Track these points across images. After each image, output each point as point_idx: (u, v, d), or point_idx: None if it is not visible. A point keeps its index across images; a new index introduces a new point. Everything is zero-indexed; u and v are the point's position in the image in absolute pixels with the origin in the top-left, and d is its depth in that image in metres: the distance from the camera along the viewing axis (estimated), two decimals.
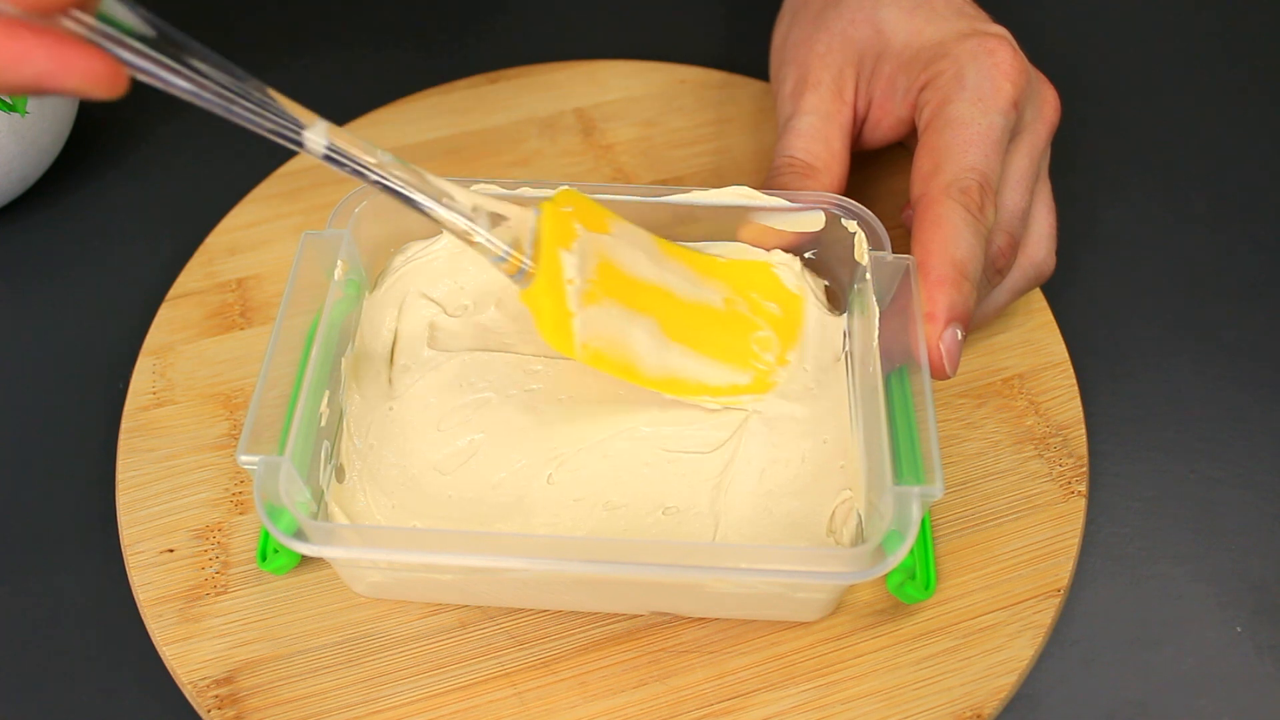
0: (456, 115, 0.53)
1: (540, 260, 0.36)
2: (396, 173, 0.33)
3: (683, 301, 0.40)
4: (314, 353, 0.37)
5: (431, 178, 0.34)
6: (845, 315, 0.42)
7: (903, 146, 0.48)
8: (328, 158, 0.31)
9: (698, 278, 0.41)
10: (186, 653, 0.37)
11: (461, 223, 0.35)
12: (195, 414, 0.43)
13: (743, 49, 0.57)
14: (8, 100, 0.44)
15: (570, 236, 0.37)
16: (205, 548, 0.39)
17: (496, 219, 0.35)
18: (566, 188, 0.38)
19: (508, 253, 0.35)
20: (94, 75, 0.26)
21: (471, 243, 0.35)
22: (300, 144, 0.31)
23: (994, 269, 0.40)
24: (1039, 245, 0.42)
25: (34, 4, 0.25)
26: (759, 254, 0.42)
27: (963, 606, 0.38)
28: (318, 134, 0.31)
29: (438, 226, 0.35)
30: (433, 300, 0.42)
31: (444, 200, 0.34)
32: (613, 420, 0.39)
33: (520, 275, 0.36)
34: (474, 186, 0.41)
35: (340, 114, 0.53)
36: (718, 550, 0.35)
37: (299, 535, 0.32)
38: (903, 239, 0.44)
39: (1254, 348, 0.47)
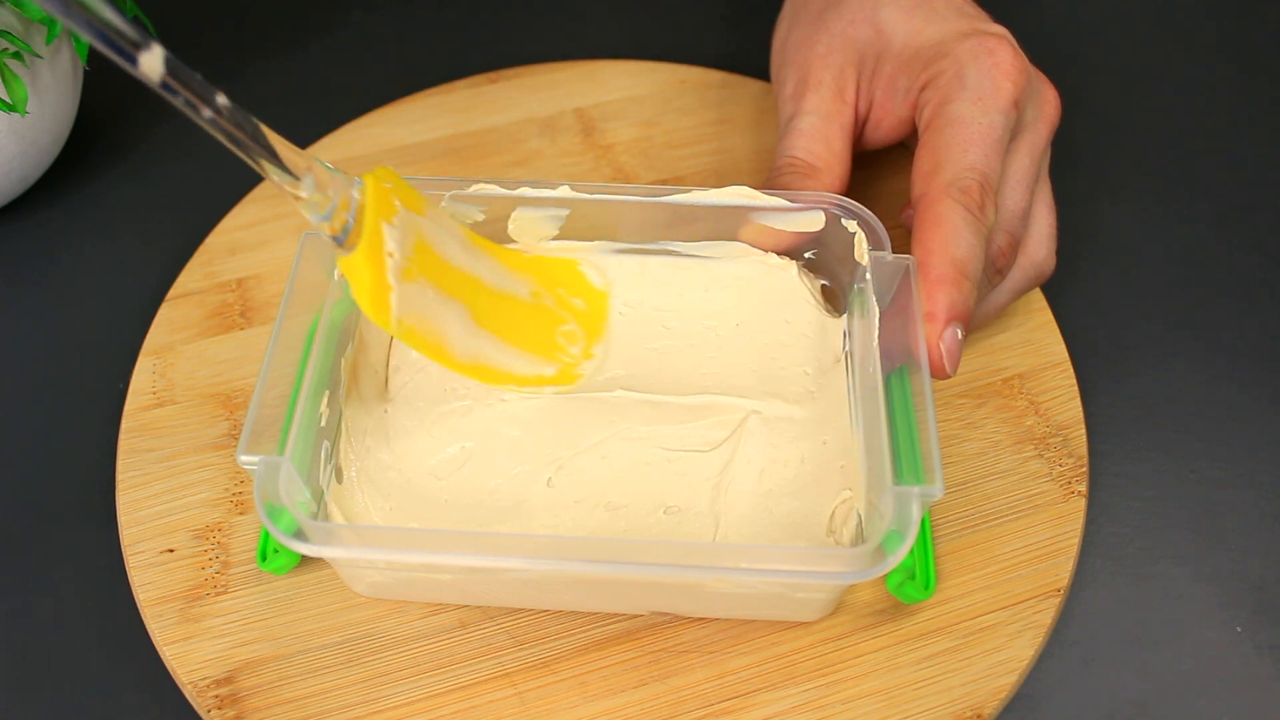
0: (456, 115, 0.53)
1: (363, 229, 0.36)
2: (232, 118, 0.32)
3: (492, 291, 0.40)
4: (314, 353, 0.37)
5: (267, 131, 0.33)
6: (845, 316, 0.42)
7: (903, 146, 0.48)
8: (164, 85, 0.29)
9: (505, 270, 0.41)
10: (186, 653, 0.37)
11: (289, 178, 0.34)
12: (195, 414, 0.43)
13: (743, 49, 0.57)
14: (8, 100, 0.44)
15: (391, 211, 0.37)
16: (205, 548, 0.39)
17: (324, 182, 0.35)
18: (383, 167, 0.38)
19: (332, 213, 0.35)
20: None
21: (297, 198, 0.34)
22: (134, 62, 0.29)
23: (994, 269, 0.40)
24: (1039, 245, 0.42)
25: None
26: (569, 249, 0.43)
27: (963, 606, 0.38)
28: (156, 57, 0.29)
29: None
30: None
31: (275, 153, 0.33)
32: (608, 421, 0.39)
33: (341, 239, 0.36)
34: (473, 187, 0.41)
35: (340, 113, 0.53)
36: (718, 550, 0.35)
37: (299, 535, 0.32)
38: (903, 239, 0.44)
39: (1254, 348, 0.47)
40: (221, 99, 0.31)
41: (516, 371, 0.40)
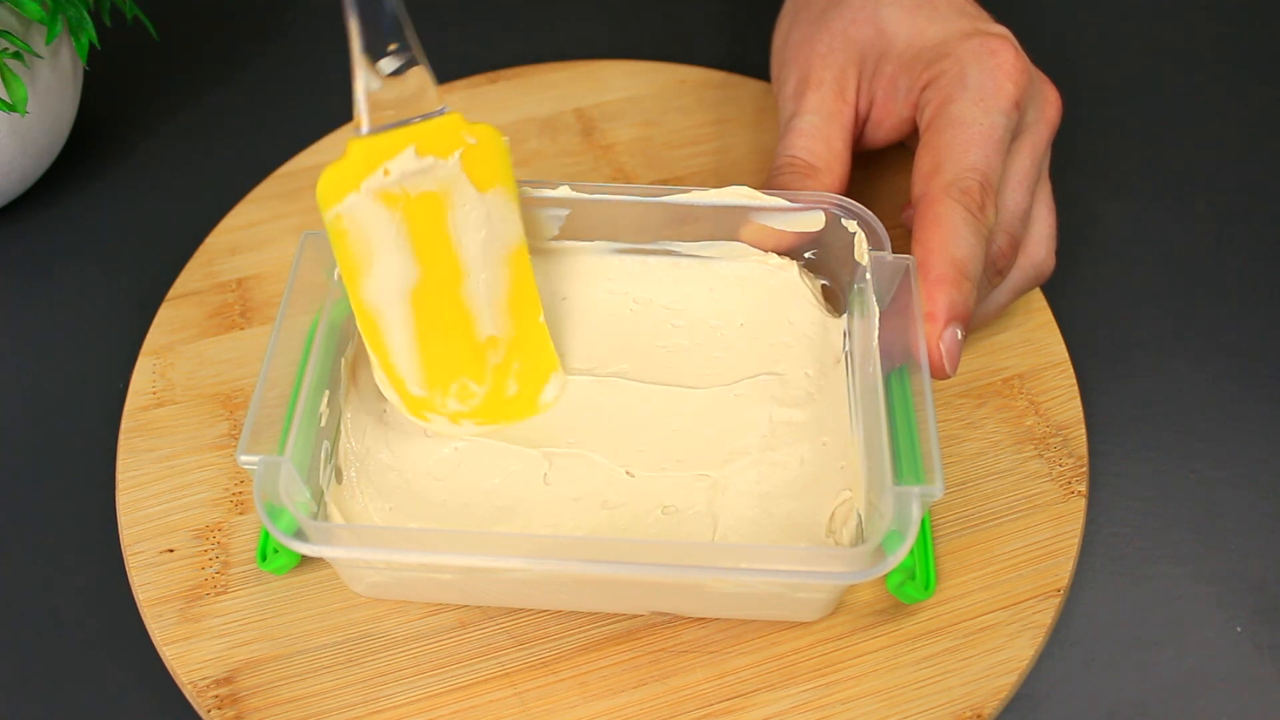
0: None
1: (391, 134, 0.35)
2: None
3: (460, 295, 0.38)
4: (314, 353, 0.37)
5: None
6: (845, 316, 0.42)
7: (903, 146, 0.48)
8: None
9: (498, 304, 0.38)
10: (186, 653, 0.37)
11: (367, 70, 0.33)
12: (195, 414, 0.43)
13: (743, 49, 0.57)
14: (8, 100, 0.44)
15: (431, 151, 0.35)
16: (205, 548, 0.39)
17: (407, 84, 0.34)
18: (498, 133, 0.37)
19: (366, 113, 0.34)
20: None
21: (366, 79, 0.33)
22: None
23: (994, 269, 0.40)
24: (1039, 245, 0.42)
25: None
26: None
27: (963, 606, 0.38)
28: None
29: None
30: None
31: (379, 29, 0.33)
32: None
33: (362, 132, 0.35)
34: None
35: (341, 113, 0.53)
36: (718, 550, 0.35)
37: (299, 535, 0.32)
38: (903, 239, 0.44)
39: (1254, 348, 0.47)
40: None
41: (395, 364, 0.37)
